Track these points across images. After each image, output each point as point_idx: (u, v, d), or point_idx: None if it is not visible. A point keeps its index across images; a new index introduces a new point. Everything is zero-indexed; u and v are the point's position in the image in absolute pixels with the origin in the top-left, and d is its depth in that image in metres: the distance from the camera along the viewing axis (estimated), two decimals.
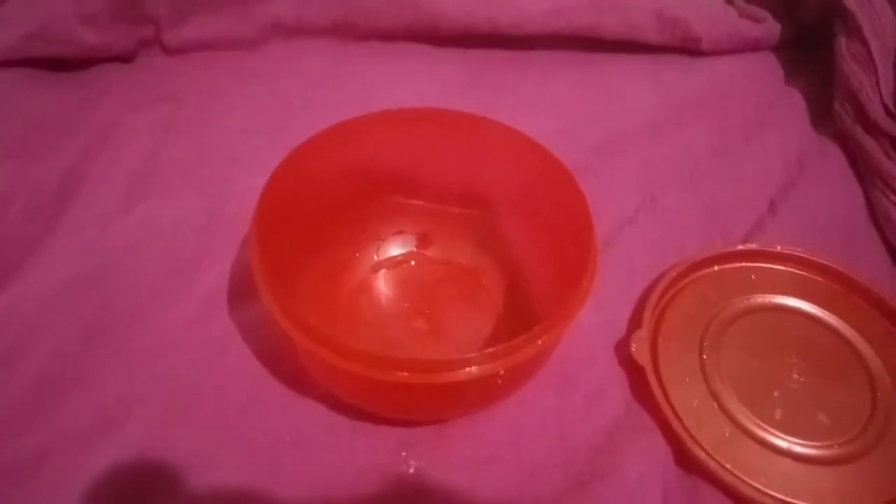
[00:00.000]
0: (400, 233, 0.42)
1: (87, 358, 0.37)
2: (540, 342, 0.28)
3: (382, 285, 0.41)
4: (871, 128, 0.48)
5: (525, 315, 0.38)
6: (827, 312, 0.39)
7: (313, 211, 0.37)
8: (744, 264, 0.41)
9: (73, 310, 0.39)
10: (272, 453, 0.33)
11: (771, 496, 0.32)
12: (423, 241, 0.42)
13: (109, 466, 0.33)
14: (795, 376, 0.37)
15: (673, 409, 0.34)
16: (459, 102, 0.49)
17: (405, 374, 0.27)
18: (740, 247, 0.41)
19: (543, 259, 0.38)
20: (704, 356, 0.37)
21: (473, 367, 0.27)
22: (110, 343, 0.37)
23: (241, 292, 0.40)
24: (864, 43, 0.49)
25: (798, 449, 0.34)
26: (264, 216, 0.33)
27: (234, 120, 0.50)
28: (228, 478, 0.33)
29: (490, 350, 0.27)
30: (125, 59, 0.54)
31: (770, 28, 0.58)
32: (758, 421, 0.35)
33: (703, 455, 0.33)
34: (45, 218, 0.43)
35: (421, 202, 0.41)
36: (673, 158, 0.48)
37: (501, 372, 0.28)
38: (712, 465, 0.33)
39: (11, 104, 0.49)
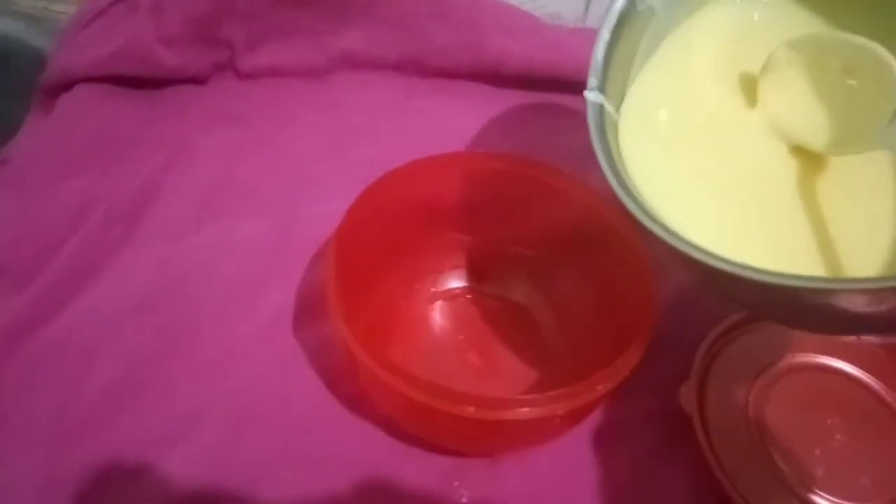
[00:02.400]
0: (457, 267, 0.44)
1: (157, 368, 0.39)
2: (599, 387, 0.29)
3: (438, 317, 0.42)
4: None
5: (573, 355, 0.39)
6: (870, 376, 0.40)
7: (379, 243, 0.39)
8: None
9: (145, 320, 0.41)
10: (330, 473, 0.35)
11: None
12: (479, 276, 0.44)
13: (176, 474, 0.35)
14: (838, 437, 0.37)
15: (717, 457, 0.36)
16: (516, 142, 0.51)
17: (471, 408, 0.28)
18: None
19: (598, 302, 0.40)
20: (749, 410, 0.38)
21: (533, 408, 0.29)
22: (180, 354, 0.39)
23: (304, 313, 0.41)
24: None
25: None
26: (341, 247, 0.34)
27: (301, 146, 0.52)
28: (286, 493, 0.34)
29: (552, 393, 0.29)
30: (199, 80, 0.56)
31: None
32: (799, 477, 0.35)
33: None
34: (120, 230, 0.46)
35: (479, 239, 0.43)
36: None
37: (560, 413, 0.29)
38: None
39: (93, 118, 0.51)
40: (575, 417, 0.33)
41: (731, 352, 0.40)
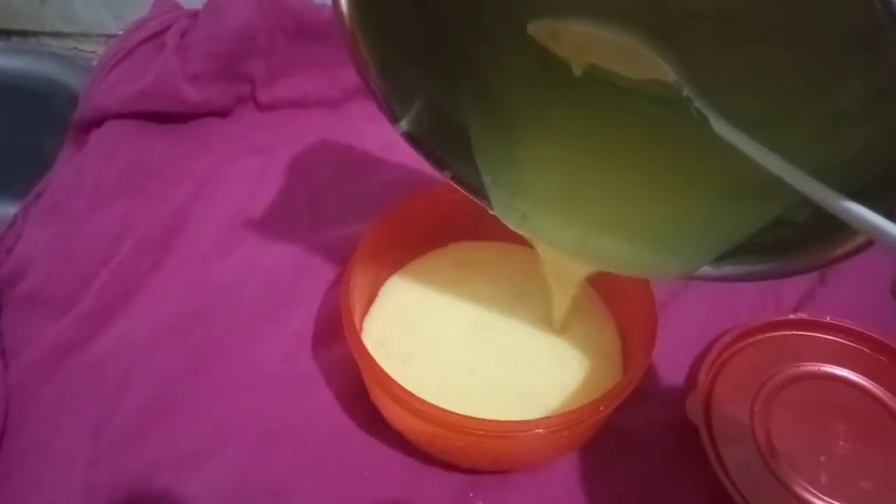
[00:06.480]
0: None
1: (188, 388, 0.41)
2: (603, 408, 0.31)
3: None
4: None
5: None
6: (873, 383, 0.41)
7: (394, 267, 0.41)
8: (794, 332, 0.43)
9: (176, 342, 0.43)
10: (350, 491, 0.37)
11: None
12: None
13: (204, 493, 0.37)
14: (841, 443, 0.39)
15: (724, 468, 0.37)
16: None
17: (479, 432, 0.30)
18: (791, 316, 0.43)
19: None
20: (755, 420, 0.39)
21: (540, 430, 0.31)
22: (209, 375, 0.42)
23: (325, 334, 0.44)
24: None
25: None
26: (355, 272, 0.36)
27: (319, 174, 0.54)
28: None
29: (557, 416, 0.31)
30: (222, 113, 0.59)
31: None
32: (804, 484, 0.37)
33: None
34: (151, 257, 0.48)
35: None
36: None
37: (566, 433, 0.31)
38: None
39: (124, 152, 0.54)
40: (581, 436, 0.34)
41: (736, 362, 0.41)
